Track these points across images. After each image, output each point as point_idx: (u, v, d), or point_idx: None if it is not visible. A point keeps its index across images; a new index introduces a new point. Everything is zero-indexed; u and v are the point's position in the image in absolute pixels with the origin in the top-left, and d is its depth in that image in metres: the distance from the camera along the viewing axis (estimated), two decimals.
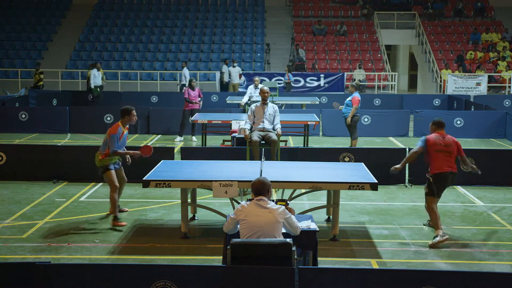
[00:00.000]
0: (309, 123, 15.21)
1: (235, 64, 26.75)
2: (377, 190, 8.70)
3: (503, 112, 19.28)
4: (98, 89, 23.89)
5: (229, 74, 26.57)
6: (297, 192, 9.83)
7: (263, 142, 12.34)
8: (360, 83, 28.58)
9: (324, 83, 28.00)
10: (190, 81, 17.52)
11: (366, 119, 18.85)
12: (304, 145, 15.37)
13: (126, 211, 10.28)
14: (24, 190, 11.77)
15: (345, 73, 28.53)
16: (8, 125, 19.08)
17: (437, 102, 24.54)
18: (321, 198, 10.88)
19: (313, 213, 9.20)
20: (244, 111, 18.18)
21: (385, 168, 12.17)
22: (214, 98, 24.55)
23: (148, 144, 10.02)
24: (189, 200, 9.31)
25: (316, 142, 17.45)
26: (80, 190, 11.79)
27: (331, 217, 9.56)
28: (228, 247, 6.16)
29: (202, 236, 9.23)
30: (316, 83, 28.04)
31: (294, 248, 6.12)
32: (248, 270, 5.96)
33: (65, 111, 19.46)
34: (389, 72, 30.13)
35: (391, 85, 29.79)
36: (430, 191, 9.19)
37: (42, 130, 19.10)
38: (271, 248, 6.12)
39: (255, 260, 6.06)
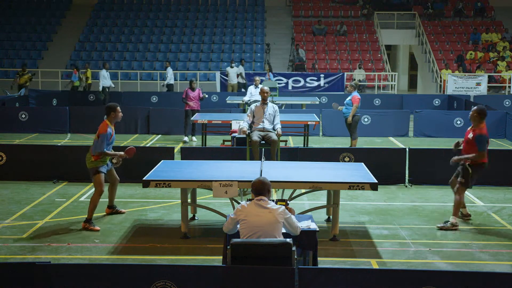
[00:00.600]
0: (309, 123, 15.21)
1: (233, 65, 26.76)
2: (377, 190, 8.69)
3: (503, 112, 19.28)
4: (107, 89, 23.86)
5: (227, 75, 26.61)
6: (297, 192, 9.83)
7: (263, 142, 12.34)
8: (359, 83, 28.62)
9: (324, 83, 28.00)
10: (191, 82, 17.47)
11: (366, 119, 18.85)
12: (304, 145, 15.37)
13: (124, 212, 10.24)
14: (24, 190, 11.77)
15: (345, 73, 28.53)
16: (8, 125, 19.08)
17: (437, 102, 24.55)
18: (321, 198, 10.88)
19: (313, 213, 9.19)
20: (244, 111, 18.18)
21: (385, 168, 12.28)
22: (214, 98, 24.56)
23: (132, 146, 9.94)
24: (189, 200, 9.31)
25: (316, 142, 17.45)
26: (80, 190, 11.79)
27: (331, 217, 9.56)
28: (228, 247, 6.16)
29: (202, 236, 9.23)
30: (316, 83, 28.04)
31: (294, 248, 6.12)
32: (248, 270, 5.96)
33: (65, 111, 19.47)
34: (389, 72, 30.13)
35: (391, 85, 29.80)
36: (467, 181, 9.31)
37: (42, 130, 19.10)
38: (271, 248, 6.12)
39: (255, 260, 6.06)
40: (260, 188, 6.52)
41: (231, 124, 15.21)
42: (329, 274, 5.96)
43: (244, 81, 26.66)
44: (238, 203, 7.38)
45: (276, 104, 14.14)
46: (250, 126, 12.55)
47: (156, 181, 8.61)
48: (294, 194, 9.78)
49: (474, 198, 11.52)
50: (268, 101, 12.62)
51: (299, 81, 28.11)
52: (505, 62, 29.26)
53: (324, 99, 24.05)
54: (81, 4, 34.85)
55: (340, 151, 12.66)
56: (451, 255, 8.46)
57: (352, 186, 8.58)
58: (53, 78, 28.40)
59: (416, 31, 32.31)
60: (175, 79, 28.98)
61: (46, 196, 11.40)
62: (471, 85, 27.28)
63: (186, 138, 17.32)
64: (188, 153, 12.64)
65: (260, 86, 18.18)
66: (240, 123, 14.34)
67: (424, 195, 11.69)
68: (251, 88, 18.58)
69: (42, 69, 28.98)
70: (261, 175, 8.25)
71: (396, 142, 17.83)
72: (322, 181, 8.69)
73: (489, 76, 28.04)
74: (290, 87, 27.93)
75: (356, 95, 14.85)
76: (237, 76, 26.64)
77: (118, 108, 9.70)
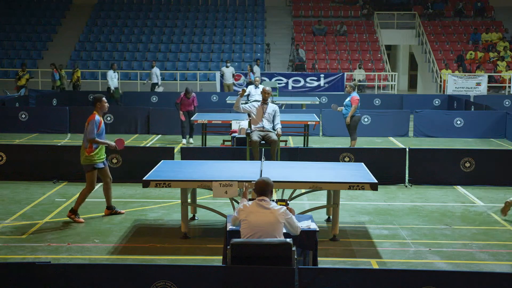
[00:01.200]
0: (309, 123, 15.22)
1: (228, 64, 26.73)
2: (377, 190, 8.69)
3: (503, 112, 19.28)
4: (120, 90, 23.71)
5: (222, 75, 26.57)
6: (297, 192, 9.83)
7: (263, 142, 12.34)
8: (359, 83, 28.63)
9: (324, 83, 28.01)
10: (186, 92, 16.98)
11: (366, 119, 18.85)
12: (304, 145, 15.37)
13: (123, 213, 10.23)
14: (24, 190, 11.77)
15: (345, 73, 28.53)
16: (8, 125, 19.07)
17: (437, 102, 24.56)
18: (321, 198, 10.88)
19: (313, 213, 9.19)
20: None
21: (385, 168, 12.28)
22: (214, 98, 24.56)
23: (121, 138, 10.07)
24: (189, 200, 9.31)
25: (316, 142, 17.44)
26: (80, 190, 11.75)
27: (331, 217, 9.56)
28: (228, 247, 6.17)
29: (202, 236, 9.23)
30: (316, 83, 28.04)
31: (294, 248, 6.12)
32: (248, 270, 5.96)
33: (65, 111, 19.46)
34: (389, 72, 30.14)
35: (391, 85, 29.80)
36: None
37: (42, 130, 19.10)
38: (271, 248, 6.12)
39: (255, 260, 6.06)
40: (264, 189, 6.53)
41: (231, 124, 15.21)
42: (329, 274, 5.96)
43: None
44: (238, 203, 7.38)
45: (276, 104, 14.15)
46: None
47: (156, 181, 8.61)
48: (294, 194, 9.78)
49: (474, 198, 11.52)
50: (268, 101, 12.62)
51: (299, 81, 28.11)
52: (505, 62, 29.26)
53: (324, 99, 24.05)
54: (81, 4, 34.85)
55: (340, 151, 12.66)
56: (451, 255, 8.46)
57: (352, 186, 8.58)
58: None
59: (416, 31, 32.31)
60: (175, 79, 29.02)
61: (46, 196, 11.39)
62: (471, 85, 27.28)
63: (184, 141, 17.12)
64: (188, 153, 12.63)
65: (260, 86, 18.18)
66: (240, 123, 14.36)
67: (424, 195, 11.69)
68: (251, 88, 18.56)
69: (42, 69, 28.97)
70: (261, 175, 8.25)
71: (396, 142, 17.83)
72: (322, 181, 8.69)
73: (489, 76, 28.04)
74: (290, 87, 27.94)
75: (355, 96, 14.85)
76: (233, 76, 26.60)
77: (104, 99, 9.85)
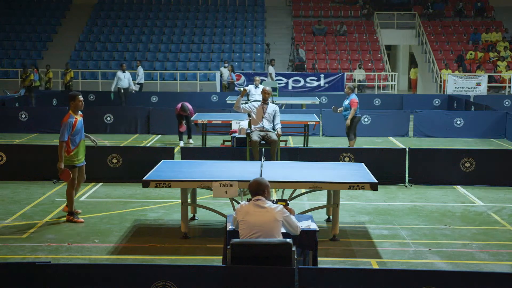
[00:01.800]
0: (309, 123, 15.22)
1: (225, 65, 26.72)
2: (377, 190, 8.69)
3: (503, 112, 19.28)
4: (122, 91, 23.48)
5: (221, 75, 26.57)
6: (297, 192, 9.83)
7: (263, 142, 12.34)
8: (359, 83, 28.65)
9: (324, 83, 28.01)
10: (182, 108, 16.55)
11: (366, 119, 18.85)
12: (304, 145, 15.37)
13: (79, 212, 10.12)
14: (24, 190, 11.77)
15: (345, 73, 28.54)
16: (8, 125, 19.07)
17: (437, 102, 24.56)
18: (321, 198, 10.88)
19: (313, 213, 9.19)
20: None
21: (385, 168, 12.28)
22: (214, 98, 24.55)
23: (67, 169, 9.69)
24: (189, 200, 9.31)
25: (316, 142, 17.44)
26: (80, 190, 11.77)
27: (331, 217, 9.56)
28: (228, 247, 6.16)
29: (202, 236, 9.23)
30: (316, 83, 28.04)
31: (294, 248, 6.12)
32: (248, 270, 5.96)
33: (65, 111, 19.41)
34: (389, 72, 30.14)
35: (391, 85, 29.80)
36: None
37: (42, 130, 19.09)
38: (271, 248, 6.11)
39: (255, 260, 6.06)
40: (256, 189, 6.52)
41: (231, 124, 15.20)
42: (329, 274, 5.95)
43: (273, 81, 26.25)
44: (238, 203, 7.38)
45: (276, 104, 14.15)
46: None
47: (156, 181, 8.61)
48: (294, 194, 9.78)
49: (474, 198, 11.51)
50: (268, 101, 12.63)
51: (299, 81, 28.11)
52: (505, 62, 29.26)
53: (324, 99, 24.05)
54: (81, 4, 34.85)
55: (340, 151, 12.66)
56: (451, 255, 8.46)
57: (352, 186, 8.58)
58: (53, 78, 28.36)
59: (416, 31, 32.31)
60: (175, 79, 29.02)
61: (46, 196, 11.39)
62: (471, 85, 27.28)
63: (181, 143, 16.96)
64: (188, 153, 12.63)
65: (260, 86, 18.18)
66: (240, 123, 14.36)
67: (424, 195, 11.69)
68: (251, 88, 18.57)
69: (42, 69, 28.96)
70: (261, 175, 8.25)
71: (396, 142, 17.83)
72: (322, 181, 8.69)
73: (489, 76, 28.04)
74: (290, 87, 27.94)
75: (354, 98, 14.84)
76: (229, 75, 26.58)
77: (79, 97, 9.79)
